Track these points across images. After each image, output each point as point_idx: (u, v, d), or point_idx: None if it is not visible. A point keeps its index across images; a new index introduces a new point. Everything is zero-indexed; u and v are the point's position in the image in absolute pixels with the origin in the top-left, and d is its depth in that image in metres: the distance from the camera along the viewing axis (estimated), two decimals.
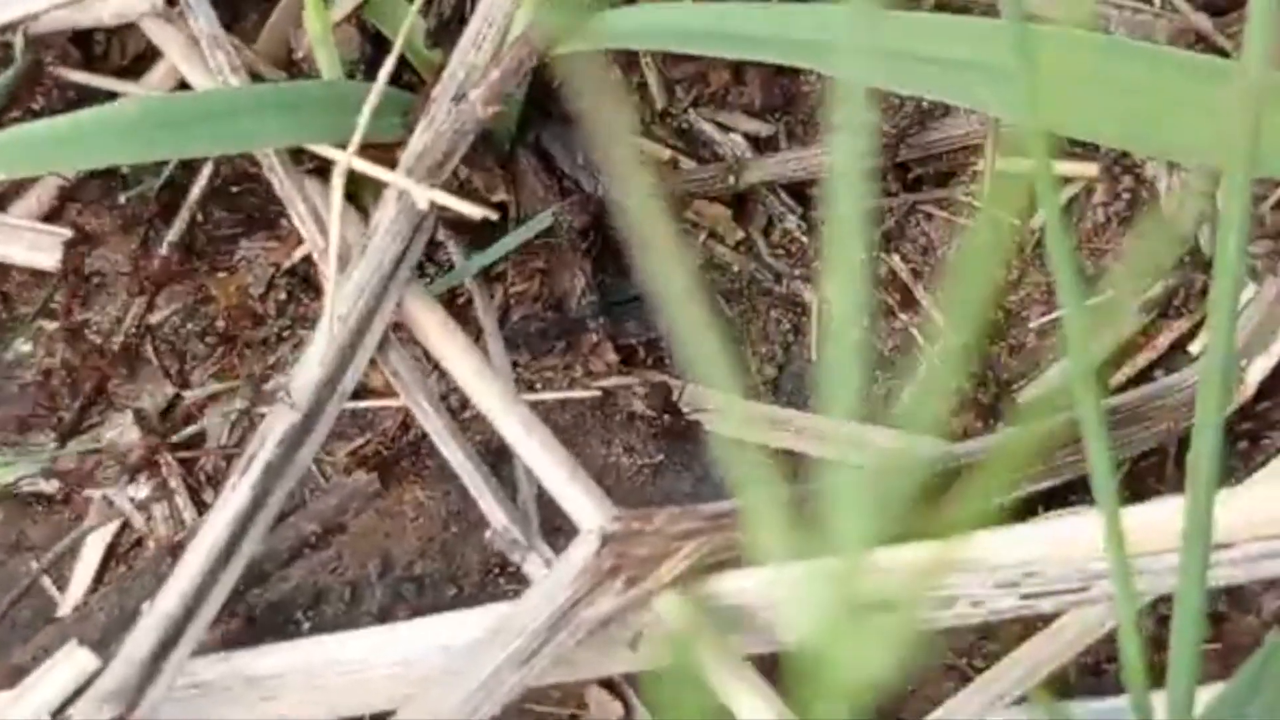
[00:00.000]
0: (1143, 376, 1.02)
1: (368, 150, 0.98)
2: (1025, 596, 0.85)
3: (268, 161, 0.99)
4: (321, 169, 1.01)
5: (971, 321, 0.53)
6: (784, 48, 0.94)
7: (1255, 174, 0.95)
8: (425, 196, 0.94)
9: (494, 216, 0.94)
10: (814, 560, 0.43)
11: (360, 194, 1.01)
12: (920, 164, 1.06)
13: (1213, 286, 0.90)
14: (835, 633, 0.39)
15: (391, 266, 0.96)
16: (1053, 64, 0.92)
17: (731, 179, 1.06)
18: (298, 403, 0.92)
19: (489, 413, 0.94)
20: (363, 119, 0.95)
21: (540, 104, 1.05)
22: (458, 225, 1.02)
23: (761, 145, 1.07)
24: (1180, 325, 1.02)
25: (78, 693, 0.89)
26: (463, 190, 1.01)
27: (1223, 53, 1.03)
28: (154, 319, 1.09)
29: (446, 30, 1.03)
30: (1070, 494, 0.97)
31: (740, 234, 1.07)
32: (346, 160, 0.95)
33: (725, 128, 1.08)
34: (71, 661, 0.89)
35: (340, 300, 0.95)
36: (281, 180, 0.99)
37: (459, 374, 0.95)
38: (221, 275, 1.08)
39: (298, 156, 1.01)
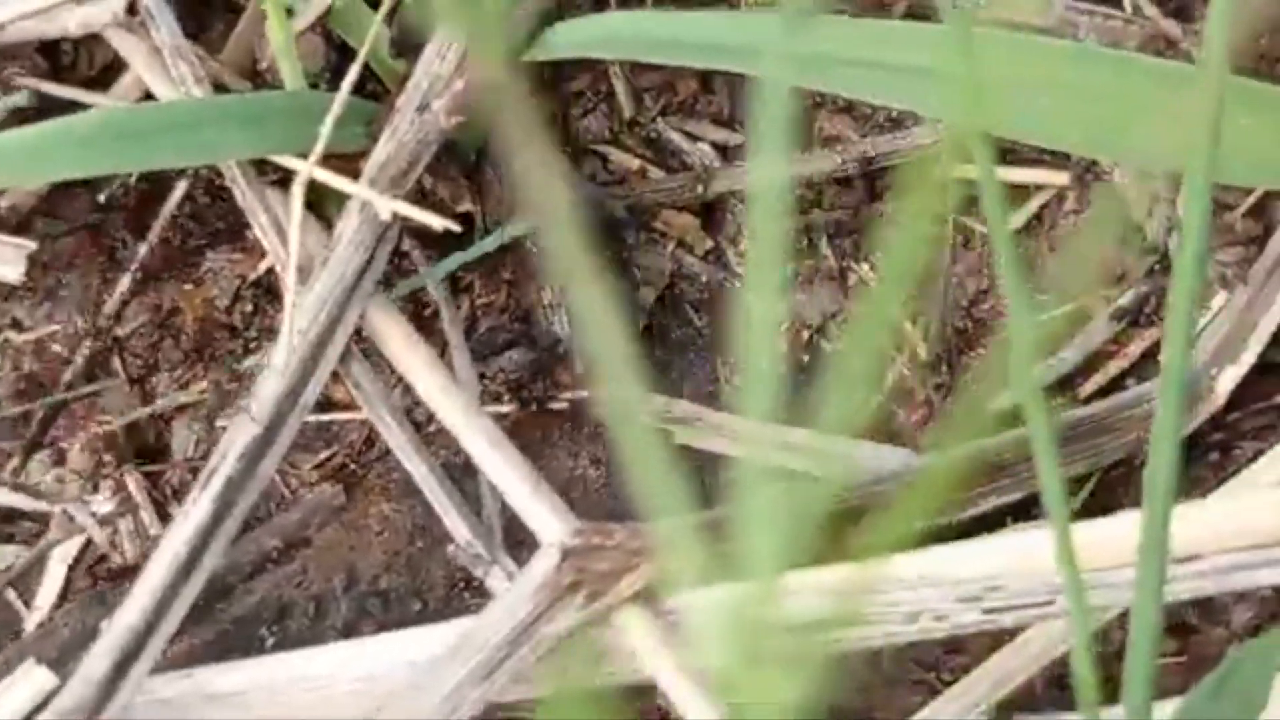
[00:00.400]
0: (1114, 385, 1.01)
1: (331, 161, 0.97)
2: (988, 611, 0.84)
3: (230, 173, 0.99)
4: (285, 180, 1.00)
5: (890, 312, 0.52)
6: (748, 57, 0.94)
7: (1216, 179, 0.94)
8: (388, 207, 0.93)
9: (456, 228, 0.94)
10: (728, 583, 0.42)
11: (324, 205, 1.01)
12: (889, 172, 1.05)
13: (1171, 295, 0.89)
14: (749, 658, 0.38)
15: (354, 278, 0.95)
16: (1015, 71, 0.92)
17: (700, 188, 1.05)
18: (258, 416, 0.92)
19: (452, 427, 0.93)
20: (325, 129, 0.94)
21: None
22: (424, 236, 1.02)
23: (730, 154, 1.07)
24: (1151, 334, 1.01)
25: (36, 710, 0.88)
26: (427, 200, 1.00)
27: (1192, 59, 1.02)
28: (120, 331, 1.08)
29: (411, 40, 1.02)
30: (1035, 506, 0.96)
31: (709, 243, 1.06)
32: (308, 170, 0.94)
33: (693, 136, 1.07)
34: (29, 680, 0.88)
35: (302, 312, 0.94)
36: (244, 191, 0.99)
37: (423, 388, 0.95)
38: (188, 287, 1.08)
39: (261, 167, 1.00)
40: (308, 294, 0.95)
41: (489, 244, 1.00)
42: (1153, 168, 0.97)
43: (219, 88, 1.04)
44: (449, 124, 0.95)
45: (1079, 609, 0.67)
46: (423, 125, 0.95)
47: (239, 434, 0.91)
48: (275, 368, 0.91)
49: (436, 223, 0.92)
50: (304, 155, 0.96)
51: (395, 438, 0.95)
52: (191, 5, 1.10)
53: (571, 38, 0.98)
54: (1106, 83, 0.90)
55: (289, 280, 0.92)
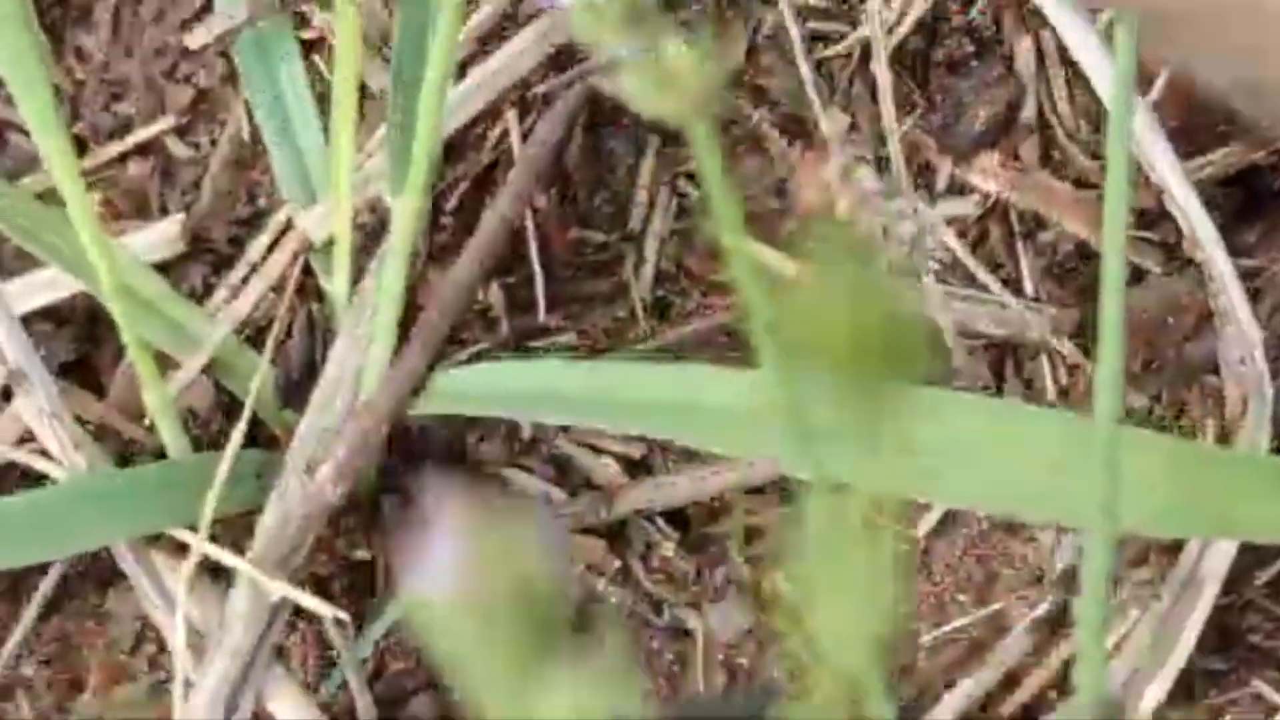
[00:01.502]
0: (1041, 698, 0.99)
1: (221, 524, 0.95)
2: None
3: (116, 549, 0.96)
4: (175, 542, 0.97)
5: None
6: (616, 412, 0.92)
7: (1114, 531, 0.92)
8: (277, 591, 0.90)
9: (344, 616, 0.91)
10: None
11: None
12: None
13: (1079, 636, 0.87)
14: None
15: (249, 656, 0.92)
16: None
17: (604, 510, 1.02)
18: None
19: None
20: (207, 509, 0.92)
21: (402, 449, 1.02)
22: (329, 578, 0.99)
23: (635, 467, 1.04)
24: (1072, 644, 0.99)
25: None
26: (322, 550, 0.98)
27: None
28: (26, 669, 1.05)
29: (298, 389, 1.00)
30: None
31: (618, 564, 1.03)
32: (195, 553, 0.91)
33: (597, 450, 1.04)
34: None
35: (200, 694, 0.91)
36: (131, 568, 0.96)
37: None
38: (90, 625, 1.05)
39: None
40: (203, 675, 0.92)
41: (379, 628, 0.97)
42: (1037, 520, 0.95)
43: (106, 432, 1.01)
44: (335, 495, 0.92)
45: None
46: (307, 499, 0.92)
47: None
48: None
49: (325, 611, 0.89)
50: (192, 524, 0.94)
51: None
52: (81, 327, 1.08)
53: (452, 392, 0.96)
54: (979, 431, 0.88)
55: (177, 676, 0.90)
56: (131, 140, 1.11)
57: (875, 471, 0.92)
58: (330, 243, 0.99)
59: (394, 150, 0.95)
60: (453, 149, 1.05)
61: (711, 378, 0.93)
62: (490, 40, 1.07)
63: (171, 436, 0.96)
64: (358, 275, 1.01)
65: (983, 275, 1.03)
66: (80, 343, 1.07)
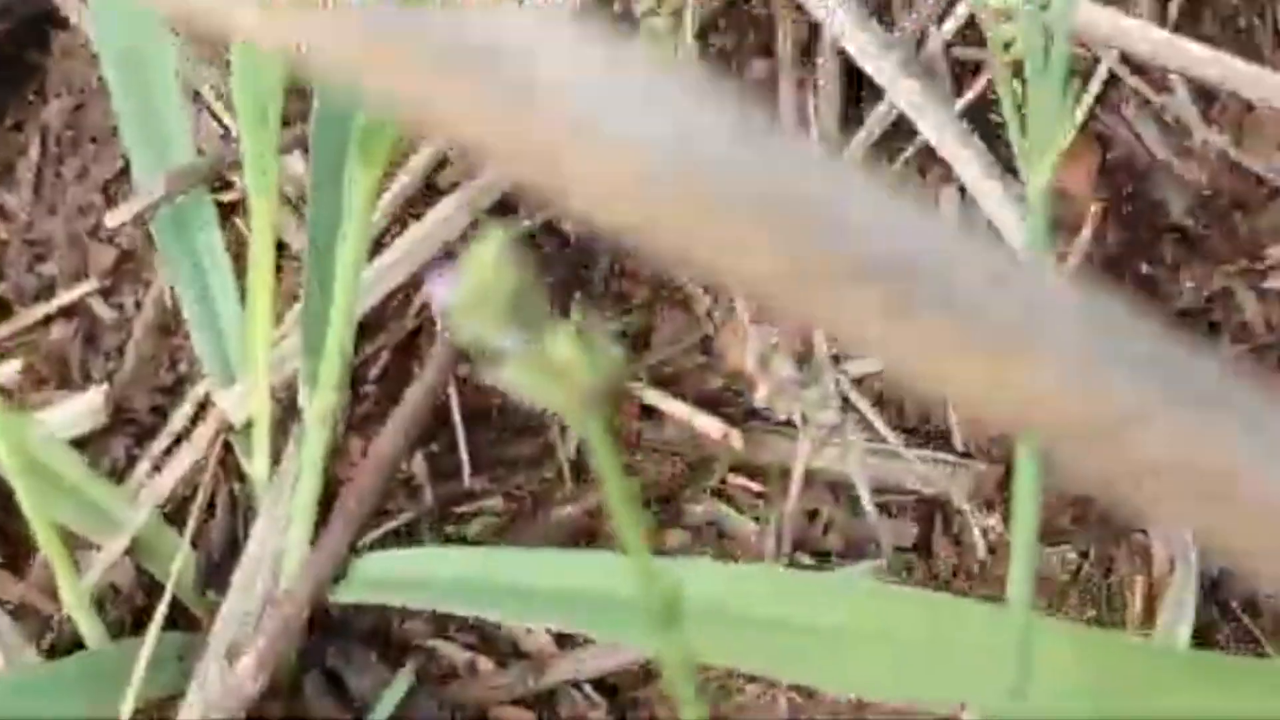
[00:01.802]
0: None
1: (142, 713, 0.94)
2: None
3: None
4: None
5: None
6: (537, 604, 0.92)
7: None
8: None
9: None
10: None
11: None
12: None
13: None
14: None
15: None
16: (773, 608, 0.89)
17: (532, 681, 1.02)
18: None
19: None
20: (127, 703, 0.91)
21: (324, 627, 1.01)
22: None
23: (564, 639, 1.03)
24: None
25: None
26: None
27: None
28: None
29: (219, 570, 0.99)
30: None
31: None
32: None
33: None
34: None
35: None
36: None
37: None
38: None
39: None
40: None
41: None
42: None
43: (26, 611, 1.01)
44: (255, 689, 0.92)
45: None
46: (228, 693, 0.92)
47: None
48: None
49: None
50: (113, 716, 0.93)
51: None
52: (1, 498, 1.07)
53: (371, 579, 0.95)
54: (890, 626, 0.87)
55: None
56: (56, 303, 1.10)
57: (777, 660, 0.91)
58: (250, 424, 0.98)
59: (309, 339, 0.95)
60: (374, 318, 1.04)
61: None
62: (414, 205, 1.06)
63: (89, 627, 0.95)
64: (278, 455, 1.00)
65: (895, 442, 1.03)
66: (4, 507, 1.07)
